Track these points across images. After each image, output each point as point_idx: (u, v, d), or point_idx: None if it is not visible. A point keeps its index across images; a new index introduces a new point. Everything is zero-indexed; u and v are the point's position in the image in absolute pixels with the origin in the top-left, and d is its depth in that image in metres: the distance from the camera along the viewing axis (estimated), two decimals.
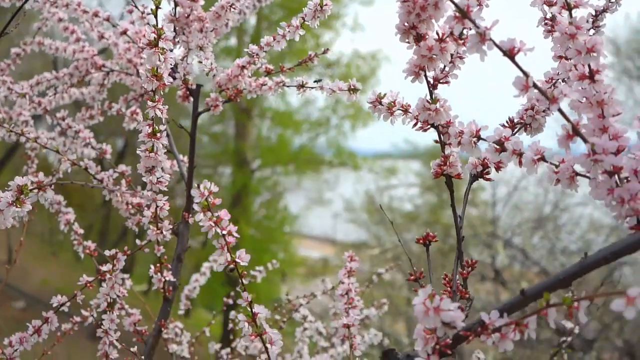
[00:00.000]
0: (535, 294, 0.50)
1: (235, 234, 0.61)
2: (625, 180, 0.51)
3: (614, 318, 5.87)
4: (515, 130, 0.68)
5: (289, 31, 0.87)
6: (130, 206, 1.00)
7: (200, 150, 11.39)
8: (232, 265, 0.62)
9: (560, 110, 0.50)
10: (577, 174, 0.53)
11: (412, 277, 0.63)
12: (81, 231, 1.07)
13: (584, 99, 0.53)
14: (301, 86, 0.93)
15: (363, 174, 10.87)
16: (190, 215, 0.95)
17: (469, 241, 6.97)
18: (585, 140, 0.50)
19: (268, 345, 0.63)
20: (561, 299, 0.48)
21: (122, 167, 1.03)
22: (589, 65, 0.52)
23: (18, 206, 0.66)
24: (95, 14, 1.08)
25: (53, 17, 1.17)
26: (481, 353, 1.13)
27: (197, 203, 0.60)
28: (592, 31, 0.72)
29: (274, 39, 0.89)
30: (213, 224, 0.61)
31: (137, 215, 1.01)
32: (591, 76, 0.53)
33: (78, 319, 1.05)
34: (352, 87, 0.80)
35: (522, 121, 0.67)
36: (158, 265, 0.94)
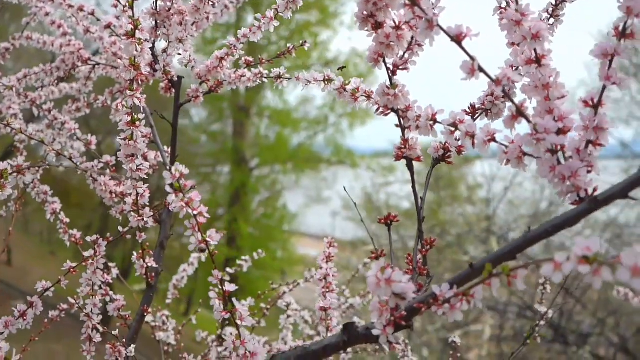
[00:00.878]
0: (482, 267, 0.53)
1: (206, 215, 0.64)
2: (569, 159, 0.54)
3: (608, 313, 5.91)
4: (477, 115, 0.70)
5: (263, 22, 0.90)
6: (113, 195, 1.03)
7: (199, 149, 11.41)
8: (202, 245, 0.65)
9: (505, 92, 0.53)
10: (525, 154, 0.56)
11: (373, 256, 0.66)
12: (67, 220, 1.09)
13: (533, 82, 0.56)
14: (278, 77, 0.96)
15: (361, 172, 10.91)
16: None
17: (465, 238, 7.00)
18: (528, 121, 0.53)
19: (238, 322, 0.66)
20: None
21: (106, 157, 1.06)
22: (535, 50, 0.55)
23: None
24: (80, 9, 1.11)
25: (40, 12, 1.19)
26: (457, 337, 1.17)
27: (169, 185, 0.63)
28: (552, 20, 0.75)
29: (250, 31, 0.92)
30: (184, 205, 0.63)
31: (120, 203, 1.04)
32: (537, 61, 0.56)
33: (65, 306, 1.08)
34: (326, 77, 0.83)
35: (483, 107, 0.70)
36: (140, 252, 0.97)
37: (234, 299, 0.67)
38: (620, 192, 0.49)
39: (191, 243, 0.65)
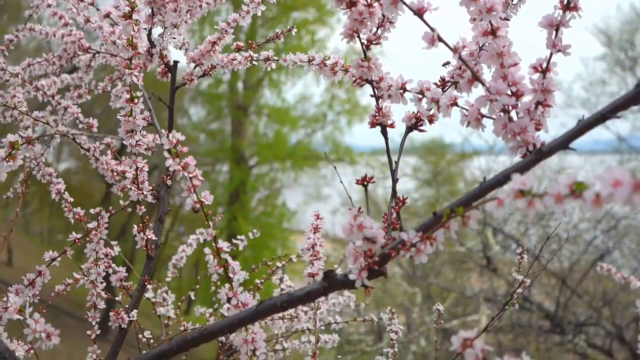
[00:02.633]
0: (442, 214, 0.59)
1: (201, 178, 0.71)
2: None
3: (604, 303, 5.99)
4: (447, 87, 0.77)
5: (251, 7, 0.97)
6: (115, 173, 1.09)
7: (198, 148, 11.47)
8: (197, 205, 0.72)
9: (461, 59, 0.60)
10: (483, 115, 0.63)
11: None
12: (71, 199, 1.16)
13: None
14: (267, 59, 1.02)
15: (360, 169, 10.97)
16: (169, 179, 1.04)
17: (461, 232, 7.10)
18: (483, 84, 0.60)
19: (231, 275, 0.73)
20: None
21: (107, 139, 1.13)
22: (490, 23, 0.62)
23: (10, 160, 0.75)
24: (80, 0, 1.17)
25: (42, 4, 1.26)
26: (440, 305, 1.23)
27: (166, 150, 0.70)
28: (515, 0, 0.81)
29: (240, 15, 0.99)
30: (181, 168, 0.70)
31: (121, 181, 1.11)
32: (493, 32, 0.62)
33: (70, 280, 1.14)
34: (310, 58, 0.89)
35: (452, 79, 0.77)
36: (140, 225, 1.04)
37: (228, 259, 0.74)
38: (561, 144, 0.55)
39: (187, 204, 0.72)
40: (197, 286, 1.50)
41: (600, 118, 0.53)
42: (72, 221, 1.15)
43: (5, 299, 0.73)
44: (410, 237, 0.60)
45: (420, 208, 9.37)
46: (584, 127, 0.54)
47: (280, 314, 1.26)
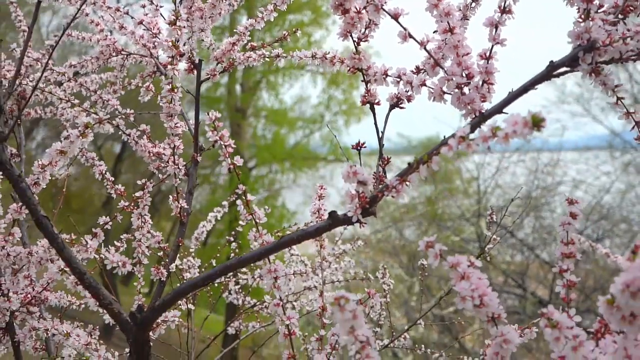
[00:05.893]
0: (420, 160, 0.81)
1: (233, 146, 0.93)
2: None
3: (593, 289, 6.22)
4: (420, 72, 0.99)
5: (265, 14, 1.19)
6: (150, 154, 1.31)
7: (189, 154, 11.67)
8: (231, 166, 0.94)
9: (426, 50, 0.82)
10: (444, 92, 0.85)
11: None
12: (112, 178, 1.38)
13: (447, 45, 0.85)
14: (277, 56, 1.24)
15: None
16: (199, 155, 1.26)
17: (458, 223, 7.34)
18: (442, 68, 0.82)
19: (257, 220, 0.95)
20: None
21: (142, 126, 1.35)
22: (448, 23, 0.84)
23: (83, 137, 0.97)
24: (117, 9, 1.39)
25: (81, 13, 1.48)
26: (425, 260, 1.45)
27: (207, 124, 0.91)
28: (473, 4, 1.03)
29: (255, 21, 1.21)
30: (218, 138, 0.92)
31: (156, 161, 1.32)
32: (450, 30, 0.84)
33: (119, 242, 1.36)
34: (313, 54, 1.11)
35: (424, 67, 0.99)
36: (175, 195, 1.26)
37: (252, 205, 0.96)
38: (496, 110, 0.77)
39: (222, 166, 0.94)
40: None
41: (523, 89, 0.76)
42: (114, 196, 1.37)
43: (84, 242, 0.95)
44: (391, 181, 0.82)
45: (419, 206, 9.59)
46: (512, 97, 0.76)
47: (292, 271, 1.49)
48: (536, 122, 0.59)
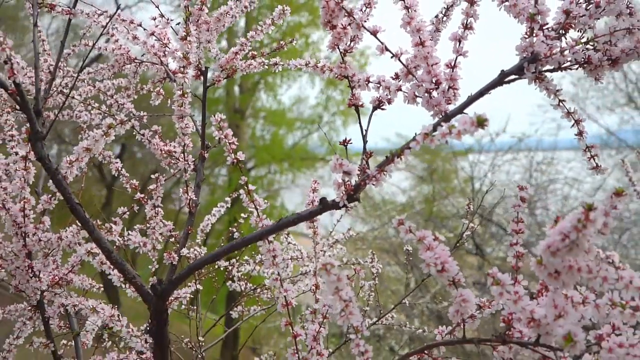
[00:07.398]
0: (395, 153, 0.96)
1: (236, 142, 1.08)
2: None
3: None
4: (398, 79, 1.14)
5: (264, 27, 1.34)
6: (162, 151, 1.46)
7: (196, 152, 11.84)
8: (235, 160, 1.09)
9: (400, 61, 0.97)
10: (416, 95, 1.00)
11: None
12: (127, 175, 1.53)
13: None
14: (275, 64, 1.40)
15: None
16: (206, 152, 1.41)
17: (453, 220, 7.50)
18: (414, 76, 0.97)
19: (258, 207, 1.10)
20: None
21: (154, 127, 1.50)
22: (419, 37, 0.99)
23: (106, 136, 1.12)
24: (131, 22, 1.54)
25: (97, 25, 1.63)
26: (409, 246, 1.60)
27: (213, 125, 1.07)
28: (444, 18, 1.19)
29: (256, 33, 1.36)
30: (223, 137, 1.07)
31: (167, 158, 1.48)
32: (422, 43, 1.00)
33: (138, 227, 1.51)
34: (307, 62, 1.27)
35: (400, 75, 1.14)
36: (185, 187, 1.41)
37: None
38: (458, 111, 0.93)
39: (227, 160, 1.09)
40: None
41: (479, 94, 0.91)
42: (130, 190, 1.52)
43: (109, 226, 1.10)
44: (372, 172, 0.97)
45: (417, 205, 9.74)
46: (470, 100, 0.92)
47: (290, 255, 1.64)
48: (480, 122, 0.75)
